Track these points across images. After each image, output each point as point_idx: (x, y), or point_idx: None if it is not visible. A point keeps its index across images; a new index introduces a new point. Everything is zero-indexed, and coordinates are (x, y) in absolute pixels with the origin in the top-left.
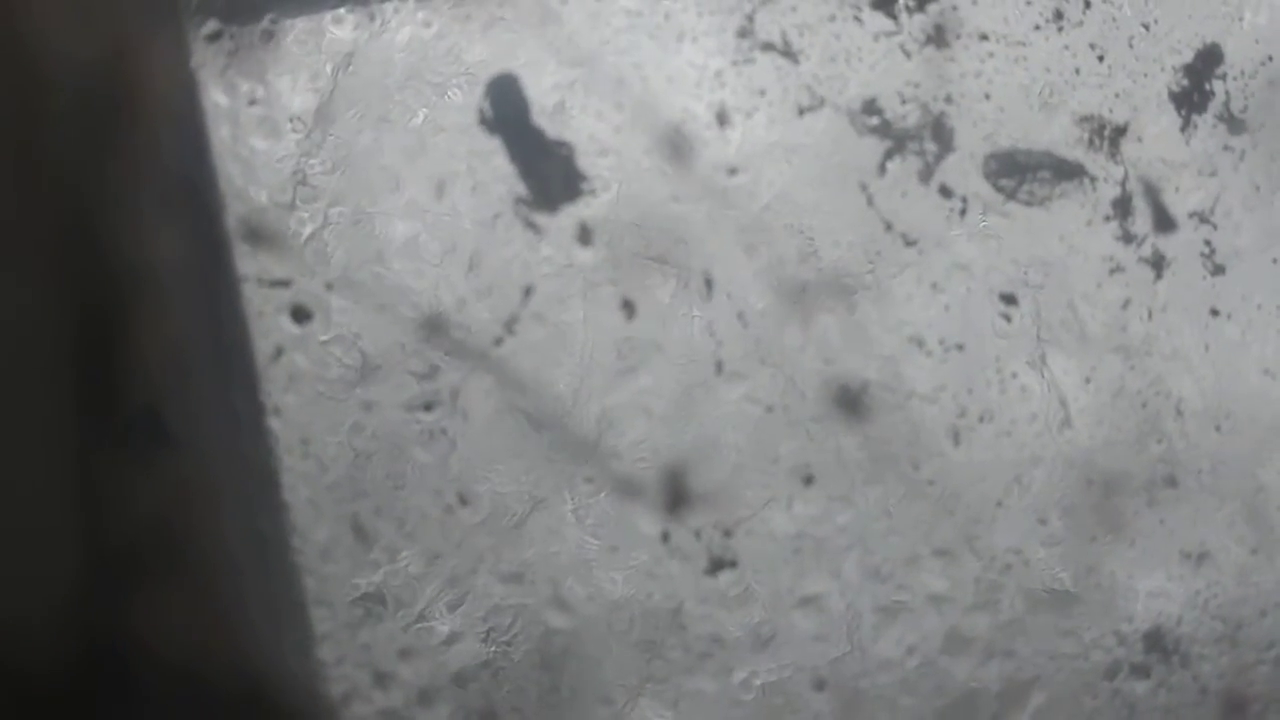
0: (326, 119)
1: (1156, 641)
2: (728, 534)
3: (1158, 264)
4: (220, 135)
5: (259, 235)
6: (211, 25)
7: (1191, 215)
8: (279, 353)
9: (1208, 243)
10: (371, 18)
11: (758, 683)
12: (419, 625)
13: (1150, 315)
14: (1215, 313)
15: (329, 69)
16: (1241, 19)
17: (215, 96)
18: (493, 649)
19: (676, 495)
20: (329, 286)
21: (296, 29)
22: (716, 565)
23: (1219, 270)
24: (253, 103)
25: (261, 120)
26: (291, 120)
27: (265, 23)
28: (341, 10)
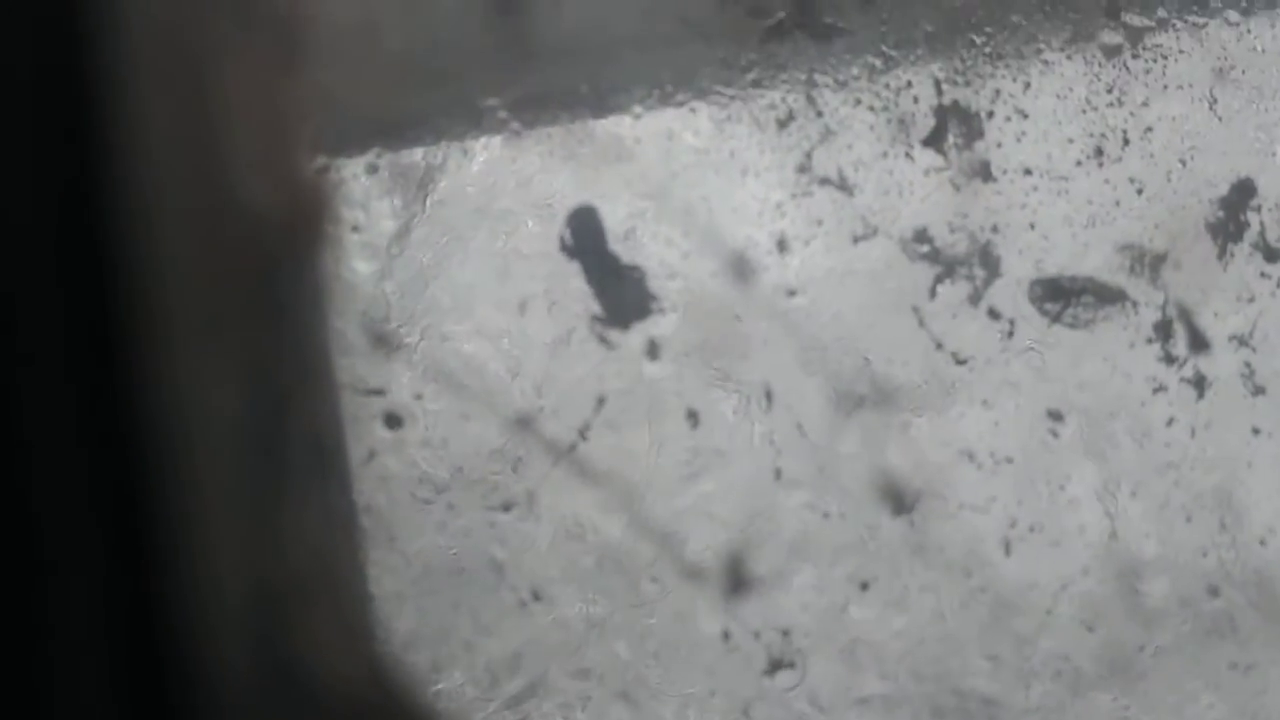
0: (421, 244)
1: None
2: (786, 634)
3: (1199, 384)
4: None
5: (358, 350)
6: (321, 160)
7: (1231, 339)
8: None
9: (1247, 364)
10: (464, 153)
11: None
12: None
13: (1194, 433)
14: (1257, 431)
15: (425, 199)
16: (1274, 154)
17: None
18: None
19: (737, 591)
20: (419, 397)
21: (399, 162)
22: (775, 665)
23: (1260, 391)
24: (355, 229)
25: (363, 246)
26: (389, 245)
27: (371, 156)
28: (437, 144)
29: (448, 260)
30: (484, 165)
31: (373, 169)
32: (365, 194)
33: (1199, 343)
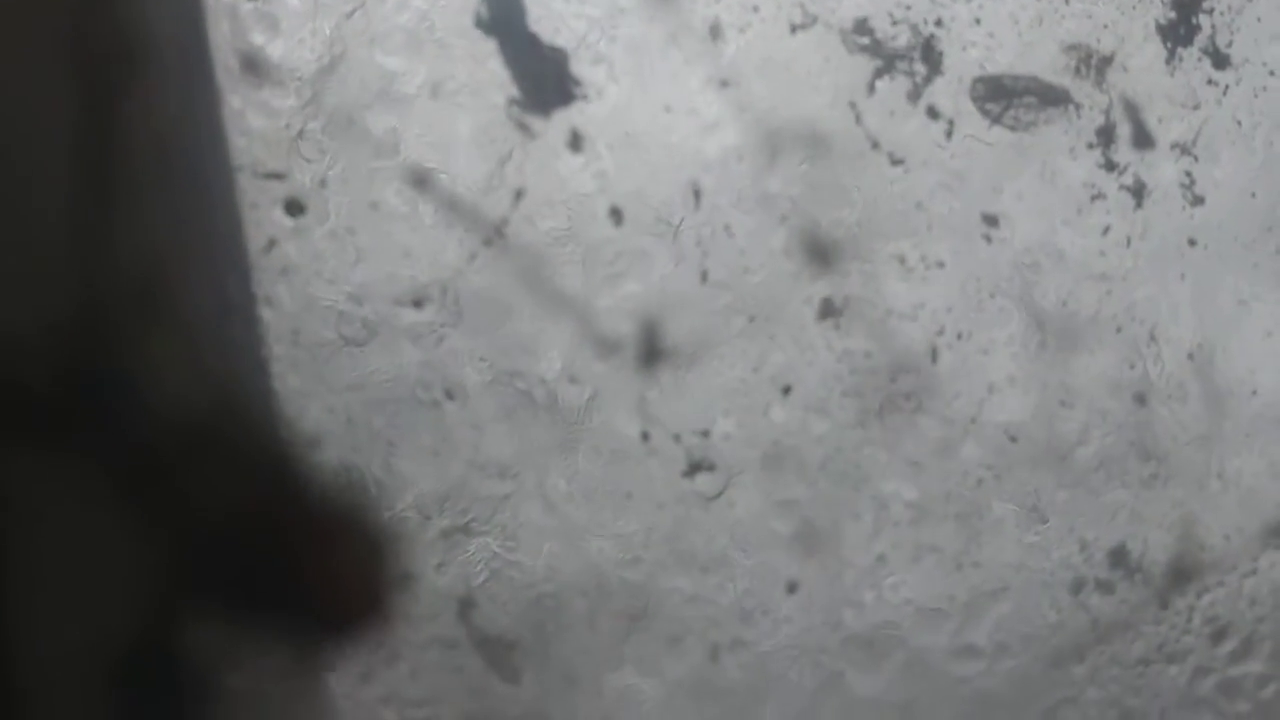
0: (325, 11)
1: (1120, 559)
2: (705, 435)
3: (1139, 192)
4: (221, 31)
5: (256, 132)
6: None
7: (1174, 146)
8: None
9: (1188, 174)
10: None
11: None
12: (400, 514)
13: (1129, 243)
14: (1193, 242)
15: None
16: None
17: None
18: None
19: (656, 389)
20: (323, 183)
21: None
22: (695, 467)
23: (1199, 201)
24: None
25: (261, 18)
26: (291, 13)
27: None
28: None
29: (354, 35)
30: None
31: None
32: None
33: (1141, 150)
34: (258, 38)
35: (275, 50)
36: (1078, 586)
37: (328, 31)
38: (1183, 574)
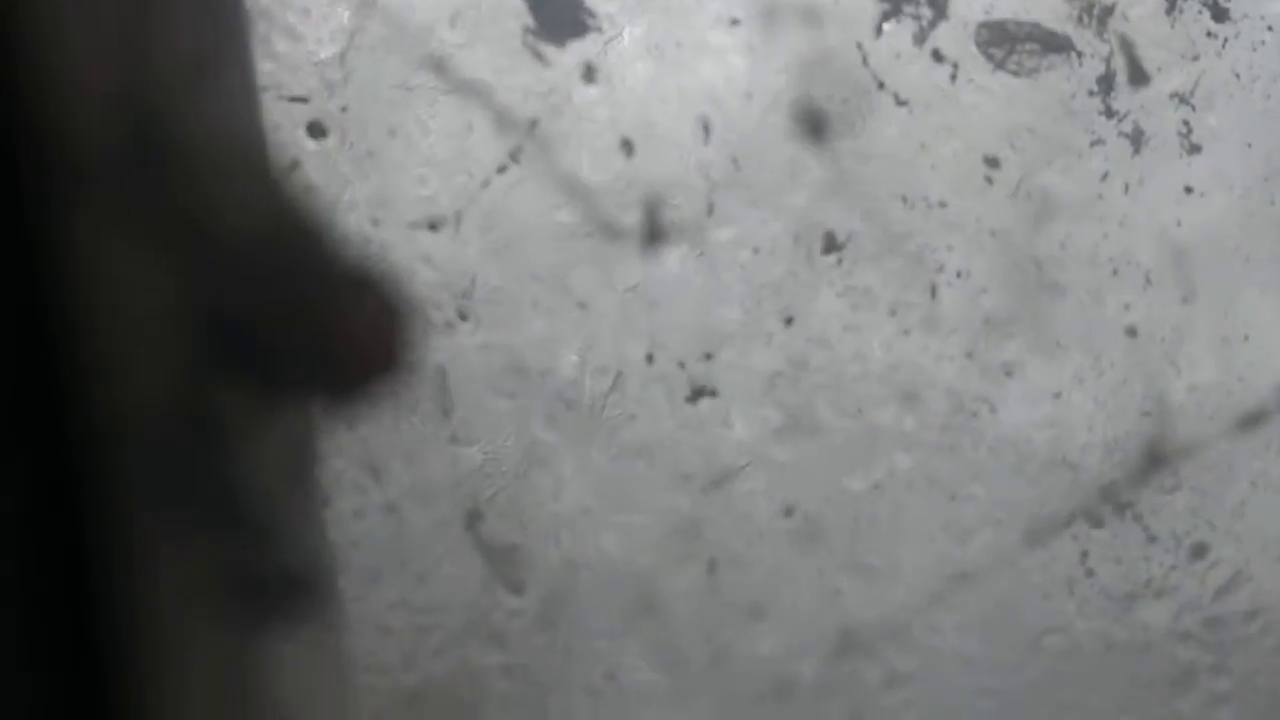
0: None
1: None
2: (709, 358)
3: (1137, 139)
4: None
5: (280, 55)
6: None
7: (1172, 96)
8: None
9: (1186, 123)
10: None
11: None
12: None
13: (1127, 189)
14: (1189, 190)
15: None
16: None
17: None
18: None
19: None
20: (344, 108)
21: None
22: (697, 393)
23: (1195, 149)
24: None
25: None
26: None
27: None
28: None
29: None
30: None
31: None
32: None
33: (1139, 98)
34: None
35: None
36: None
37: None
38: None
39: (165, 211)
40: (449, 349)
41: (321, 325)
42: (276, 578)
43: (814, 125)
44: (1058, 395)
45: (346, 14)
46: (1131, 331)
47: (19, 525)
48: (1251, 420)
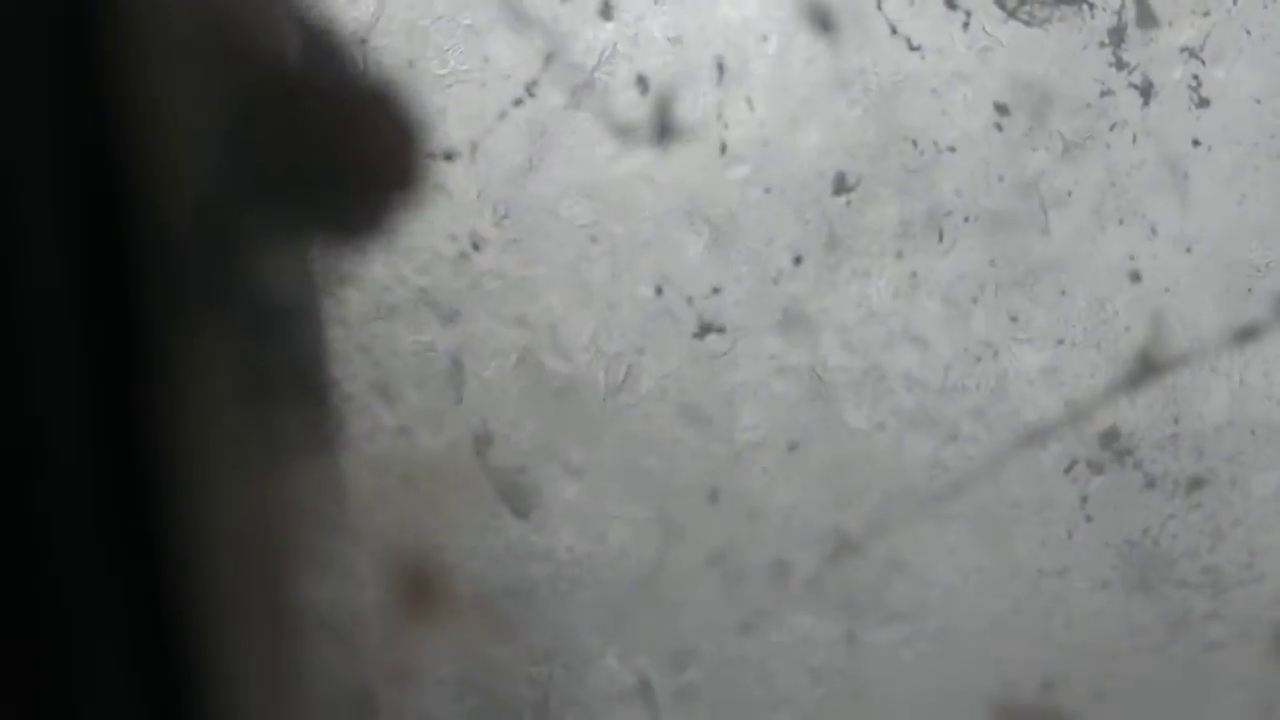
0: None
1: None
2: (717, 293)
3: (1146, 91)
4: None
5: None
6: None
7: (1182, 50)
8: None
9: (1195, 76)
10: None
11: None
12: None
13: (1135, 140)
14: (1197, 143)
15: None
16: None
17: None
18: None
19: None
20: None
21: None
22: (705, 329)
23: (1204, 103)
24: None
25: None
26: None
27: None
28: None
29: None
30: None
31: None
32: None
33: (1150, 50)
34: None
35: None
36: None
37: None
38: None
39: (203, 34)
40: (461, 276)
41: (339, 143)
42: (289, 379)
43: (826, 70)
44: (1060, 341)
45: None
46: (1135, 276)
47: (71, 311)
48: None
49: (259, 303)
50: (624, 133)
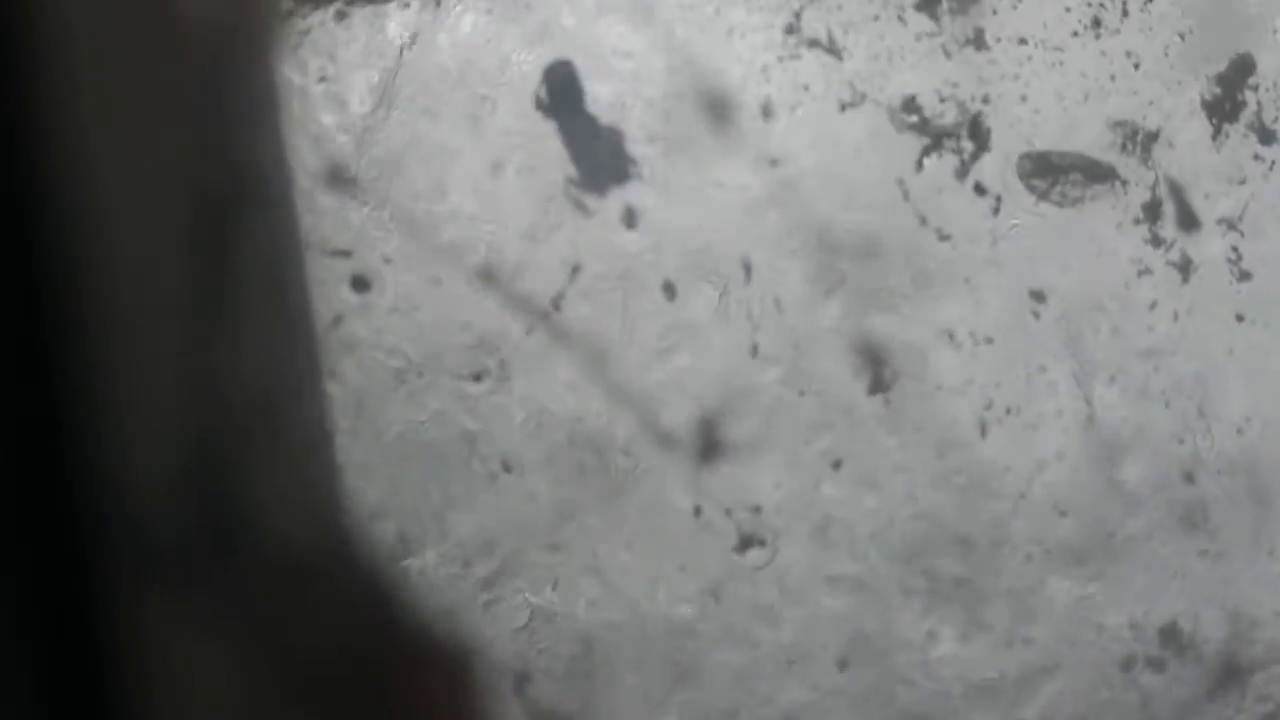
0: (390, 97)
1: (1171, 636)
2: (757, 511)
3: (1185, 268)
4: (290, 110)
5: (324, 209)
6: (286, 3)
7: (1220, 222)
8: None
9: (1235, 249)
10: (438, 3)
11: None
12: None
13: (1176, 318)
14: (1240, 318)
15: (395, 50)
16: (1275, 31)
17: (287, 73)
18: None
19: (709, 465)
20: (388, 260)
21: (365, 12)
22: (746, 543)
23: (1245, 276)
24: (323, 79)
25: (329, 97)
26: (358, 97)
27: (339, 3)
28: None
29: (418, 115)
30: (457, 15)
31: (342, 16)
32: (333, 42)
33: (1187, 225)
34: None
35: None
36: (1128, 664)
37: (390, 114)
38: (1235, 654)
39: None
40: (495, 503)
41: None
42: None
43: (856, 268)
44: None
45: None
46: (1189, 477)
47: None
48: None
49: None
50: None
